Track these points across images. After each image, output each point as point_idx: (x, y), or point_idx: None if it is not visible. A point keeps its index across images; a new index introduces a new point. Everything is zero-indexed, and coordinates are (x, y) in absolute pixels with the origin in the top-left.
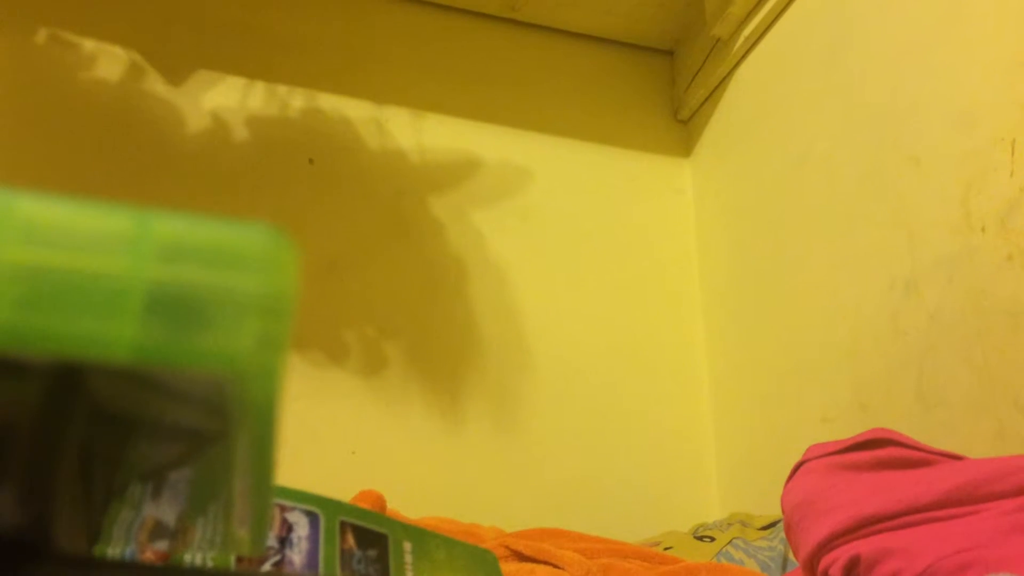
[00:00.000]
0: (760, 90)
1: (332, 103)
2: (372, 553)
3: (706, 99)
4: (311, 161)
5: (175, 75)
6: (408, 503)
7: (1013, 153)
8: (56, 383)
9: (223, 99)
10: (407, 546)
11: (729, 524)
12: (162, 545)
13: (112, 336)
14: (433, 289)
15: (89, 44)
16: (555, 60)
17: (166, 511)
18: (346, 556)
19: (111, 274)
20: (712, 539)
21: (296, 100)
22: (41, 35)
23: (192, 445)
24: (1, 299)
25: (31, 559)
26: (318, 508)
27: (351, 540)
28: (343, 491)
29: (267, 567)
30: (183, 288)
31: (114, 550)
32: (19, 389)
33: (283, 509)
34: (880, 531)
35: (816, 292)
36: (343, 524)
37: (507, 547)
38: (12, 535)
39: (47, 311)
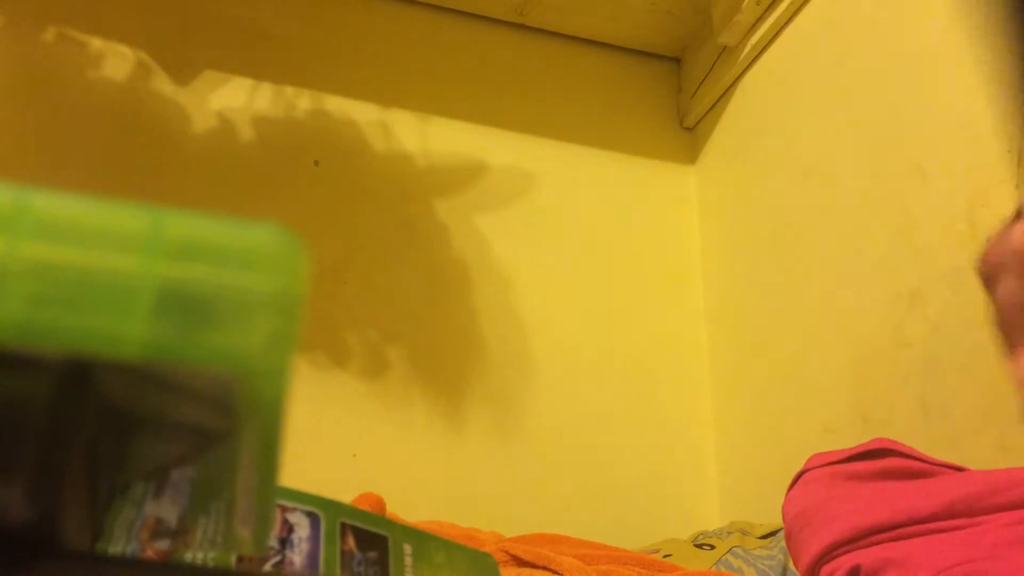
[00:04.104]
0: (766, 98)
1: (338, 105)
2: (372, 555)
3: (712, 106)
4: (317, 163)
5: (182, 75)
6: (408, 506)
7: (1019, 165)
8: (66, 379)
9: (229, 99)
10: (407, 548)
11: (729, 532)
12: (163, 544)
13: (123, 333)
14: (437, 293)
15: (97, 43)
16: (562, 66)
17: (168, 510)
18: (346, 557)
19: (123, 271)
20: (712, 547)
21: (302, 102)
22: (50, 33)
23: (197, 443)
24: (13, 295)
25: (37, 554)
26: (319, 509)
27: (351, 542)
28: (344, 493)
29: (268, 567)
30: (194, 286)
31: (115, 548)
32: (30, 384)
33: (284, 510)
34: (881, 542)
35: (820, 302)
36: (344, 526)
37: (506, 552)
38: (19, 530)
39: (59, 307)
